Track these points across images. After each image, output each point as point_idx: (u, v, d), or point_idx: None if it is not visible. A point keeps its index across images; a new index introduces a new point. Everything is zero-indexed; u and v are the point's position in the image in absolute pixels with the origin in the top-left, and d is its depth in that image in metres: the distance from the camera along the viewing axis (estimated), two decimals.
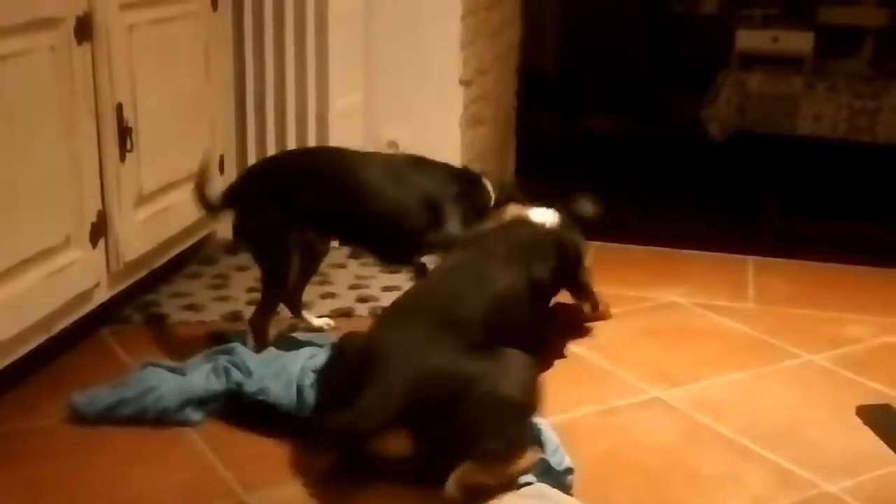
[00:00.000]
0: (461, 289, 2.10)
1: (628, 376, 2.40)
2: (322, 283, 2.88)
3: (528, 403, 1.93)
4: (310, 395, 2.12)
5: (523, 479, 1.89)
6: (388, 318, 2.09)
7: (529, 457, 1.93)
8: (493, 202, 2.52)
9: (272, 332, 2.43)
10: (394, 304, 2.16)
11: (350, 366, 1.95)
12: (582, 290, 2.59)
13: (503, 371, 1.90)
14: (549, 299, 2.48)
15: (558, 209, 2.53)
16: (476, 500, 1.82)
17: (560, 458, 1.93)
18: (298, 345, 2.34)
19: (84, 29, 2.28)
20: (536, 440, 1.98)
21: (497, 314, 2.07)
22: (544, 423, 2.04)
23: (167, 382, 2.18)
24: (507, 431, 1.86)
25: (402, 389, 1.82)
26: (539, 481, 1.89)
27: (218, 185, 2.91)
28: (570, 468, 1.92)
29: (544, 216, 2.48)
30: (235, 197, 2.42)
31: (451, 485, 1.82)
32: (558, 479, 1.89)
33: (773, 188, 3.80)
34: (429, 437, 1.85)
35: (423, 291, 2.20)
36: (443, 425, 1.84)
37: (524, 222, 2.45)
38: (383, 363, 1.87)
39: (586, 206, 2.60)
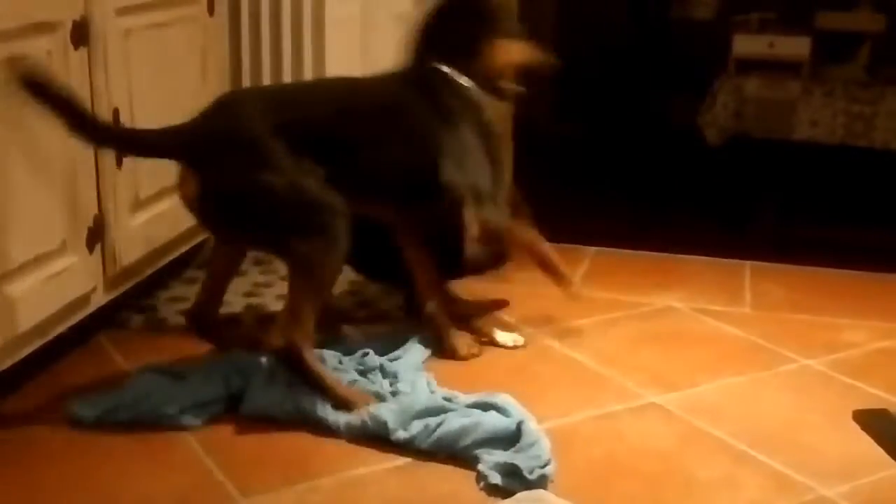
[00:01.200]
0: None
1: (625, 381, 2.40)
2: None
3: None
4: (309, 402, 2.12)
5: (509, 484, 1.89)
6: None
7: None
8: None
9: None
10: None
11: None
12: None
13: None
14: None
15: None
16: None
17: (532, 462, 1.89)
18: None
19: (81, 33, 2.28)
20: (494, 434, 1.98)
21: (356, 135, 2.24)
22: (533, 425, 2.03)
23: (165, 387, 2.18)
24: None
25: (193, 131, 2.15)
26: (504, 483, 1.87)
27: None
28: (544, 476, 1.88)
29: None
30: None
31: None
32: (527, 485, 1.86)
33: (770, 193, 3.80)
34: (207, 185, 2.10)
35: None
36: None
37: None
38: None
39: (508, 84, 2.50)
